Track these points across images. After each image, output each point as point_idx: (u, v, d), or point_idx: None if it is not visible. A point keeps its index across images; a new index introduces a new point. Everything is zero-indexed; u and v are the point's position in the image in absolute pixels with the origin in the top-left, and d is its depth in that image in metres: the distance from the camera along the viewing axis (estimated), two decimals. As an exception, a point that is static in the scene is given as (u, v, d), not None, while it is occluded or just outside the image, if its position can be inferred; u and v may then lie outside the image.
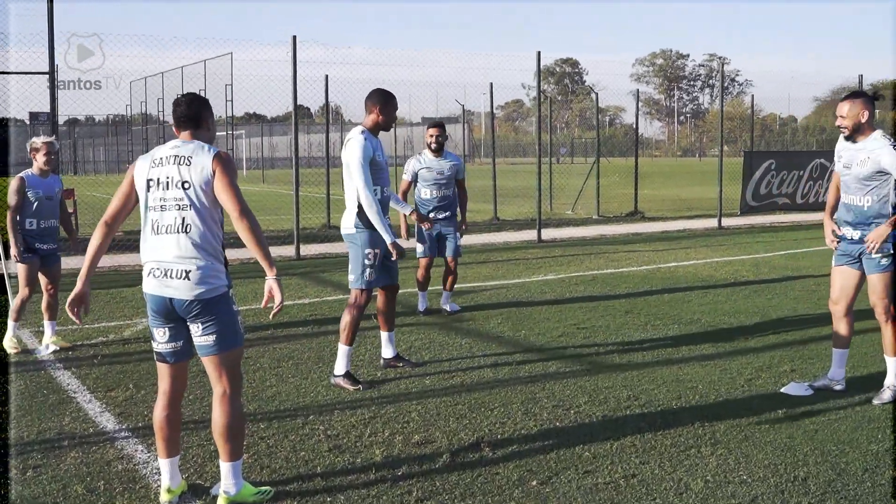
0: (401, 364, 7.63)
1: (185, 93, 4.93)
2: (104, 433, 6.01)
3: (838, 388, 6.72)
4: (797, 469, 5.17)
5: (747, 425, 5.94)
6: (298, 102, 16.00)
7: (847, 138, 6.60)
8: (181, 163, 4.65)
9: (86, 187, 33.58)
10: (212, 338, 4.69)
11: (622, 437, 5.72)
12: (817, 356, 7.84)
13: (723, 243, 16.95)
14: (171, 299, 4.64)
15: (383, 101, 7.14)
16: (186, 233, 4.61)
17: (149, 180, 4.71)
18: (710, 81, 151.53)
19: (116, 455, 5.56)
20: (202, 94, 37.07)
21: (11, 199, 8.35)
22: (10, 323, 8.59)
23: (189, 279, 4.59)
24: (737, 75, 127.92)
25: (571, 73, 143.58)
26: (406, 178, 9.99)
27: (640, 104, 26.56)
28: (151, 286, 4.69)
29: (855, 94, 6.61)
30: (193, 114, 4.81)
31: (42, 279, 8.65)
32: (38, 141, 8.53)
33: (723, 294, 11.10)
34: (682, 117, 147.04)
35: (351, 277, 7.19)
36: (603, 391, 6.80)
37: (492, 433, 5.86)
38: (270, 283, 4.76)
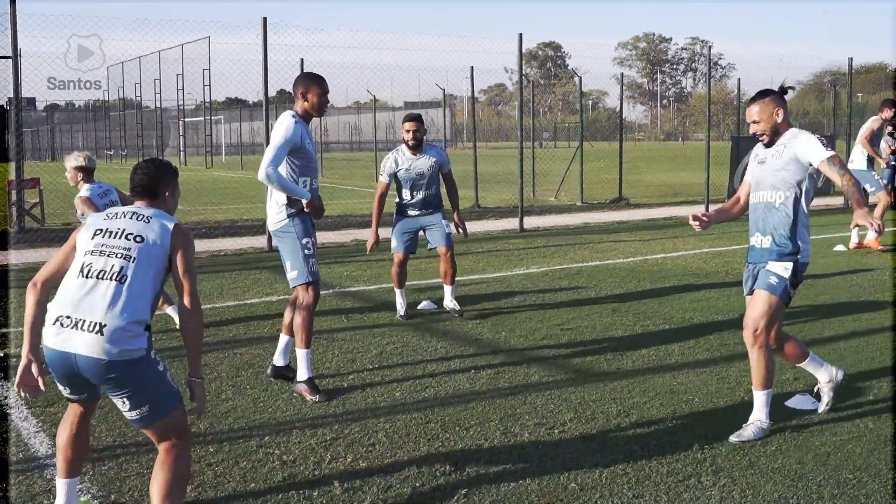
0: (291, 375, 6.80)
1: (146, 159, 4.57)
2: (35, 459, 5.37)
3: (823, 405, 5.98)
4: (811, 504, 4.59)
5: (751, 448, 5.33)
6: (280, 87, 15.50)
7: (767, 145, 5.72)
8: (139, 219, 4.24)
9: (59, 175, 32.84)
10: (145, 408, 4.05)
11: (613, 464, 5.11)
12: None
13: (711, 232, 16.33)
14: (75, 356, 3.93)
15: (308, 85, 6.62)
16: (120, 282, 4.02)
17: (96, 230, 4.21)
18: (693, 65, 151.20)
19: (44, 487, 4.92)
20: (180, 79, 36.19)
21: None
22: None
23: (102, 334, 3.91)
24: (720, 59, 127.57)
25: (554, 57, 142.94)
26: (383, 179, 9.08)
27: (623, 88, 25.98)
28: (51, 339, 3.99)
29: (762, 92, 5.71)
30: (151, 183, 4.42)
31: None
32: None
33: (715, 290, 10.51)
34: (664, 101, 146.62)
35: (293, 274, 6.58)
36: (590, 405, 6.19)
37: (466, 458, 5.24)
38: (193, 383, 4.23)
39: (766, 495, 4.68)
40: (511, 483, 4.88)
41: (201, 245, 15.01)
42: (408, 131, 8.90)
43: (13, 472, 5.13)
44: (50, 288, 4.22)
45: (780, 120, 5.63)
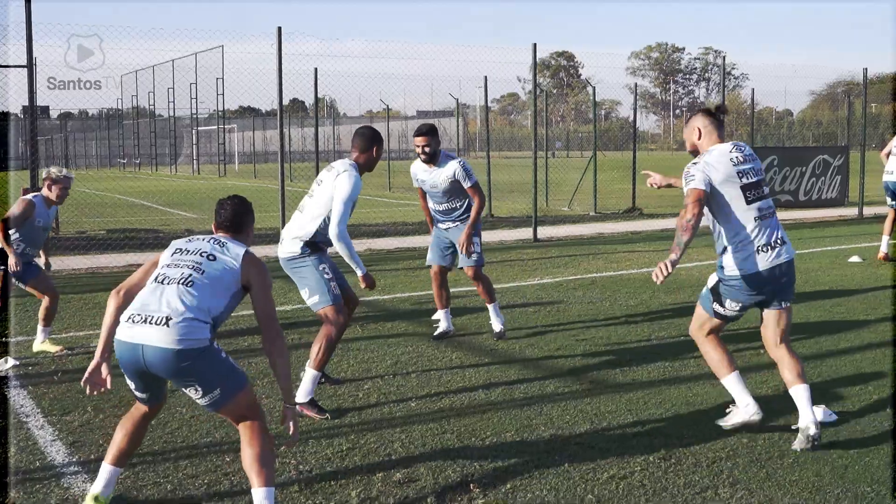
0: (323, 380, 6.97)
1: (232, 195, 5.01)
2: (52, 467, 5.39)
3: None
4: (829, 517, 4.57)
5: (768, 460, 5.32)
6: (293, 96, 15.66)
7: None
8: (216, 243, 4.71)
9: (74, 182, 32.87)
10: (216, 392, 4.43)
11: (629, 476, 5.10)
12: (836, 373, 7.22)
13: (725, 243, 16.29)
14: (142, 348, 4.31)
15: (376, 143, 6.80)
16: (187, 286, 4.46)
17: (177, 249, 4.72)
18: (706, 75, 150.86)
19: (61, 496, 4.94)
20: (193, 88, 36.37)
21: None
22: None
23: (168, 326, 4.31)
24: (733, 69, 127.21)
25: (567, 67, 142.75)
26: (416, 184, 8.83)
27: (637, 97, 25.97)
28: (123, 333, 4.40)
29: (692, 111, 5.78)
30: (236, 218, 4.89)
31: (33, 290, 8.49)
32: (57, 174, 8.29)
33: (729, 300, 10.46)
34: (677, 111, 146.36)
35: (314, 299, 6.53)
36: (606, 416, 6.18)
37: (482, 469, 5.24)
38: (288, 410, 4.60)
39: (784, 508, 4.66)
40: (527, 494, 4.87)
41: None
42: (417, 146, 8.43)
43: (30, 481, 5.15)
44: (131, 298, 4.57)
45: (696, 139, 5.80)
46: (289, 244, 6.64)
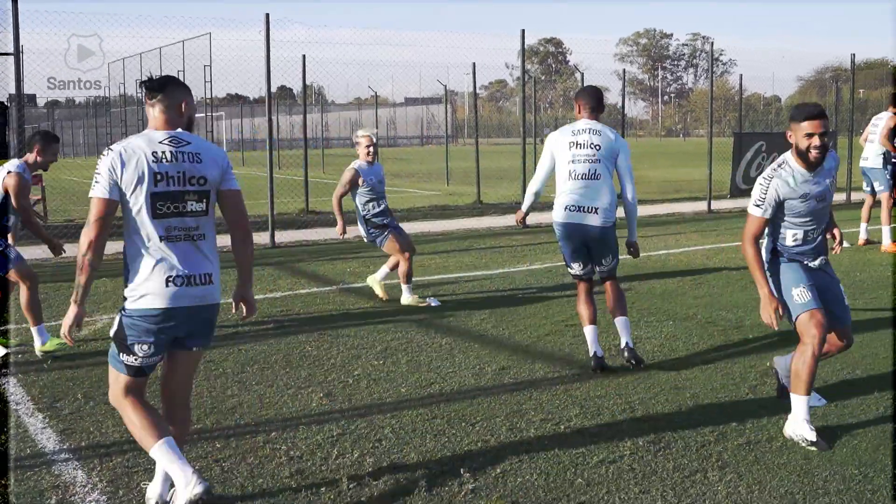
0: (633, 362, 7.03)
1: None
2: (42, 454, 5.39)
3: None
4: (817, 499, 4.59)
5: (757, 443, 5.35)
6: (281, 83, 15.53)
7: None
8: None
9: (60, 171, 32.76)
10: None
11: (619, 460, 5.12)
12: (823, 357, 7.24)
13: (714, 228, 16.36)
14: None
15: (596, 99, 7.62)
16: None
17: None
18: (694, 61, 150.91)
19: (52, 483, 4.94)
20: (181, 75, 36.46)
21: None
22: None
23: None
24: (721, 55, 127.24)
25: (555, 53, 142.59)
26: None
27: (625, 84, 25.97)
28: None
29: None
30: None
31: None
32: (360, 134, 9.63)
33: (718, 285, 10.52)
34: (665, 97, 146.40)
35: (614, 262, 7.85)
36: (595, 401, 6.20)
37: (473, 454, 5.26)
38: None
39: (773, 490, 4.69)
40: (517, 478, 4.90)
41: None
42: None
43: (21, 468, 5.15)
44: None
45: None
46: (609, 214, 7.64)
